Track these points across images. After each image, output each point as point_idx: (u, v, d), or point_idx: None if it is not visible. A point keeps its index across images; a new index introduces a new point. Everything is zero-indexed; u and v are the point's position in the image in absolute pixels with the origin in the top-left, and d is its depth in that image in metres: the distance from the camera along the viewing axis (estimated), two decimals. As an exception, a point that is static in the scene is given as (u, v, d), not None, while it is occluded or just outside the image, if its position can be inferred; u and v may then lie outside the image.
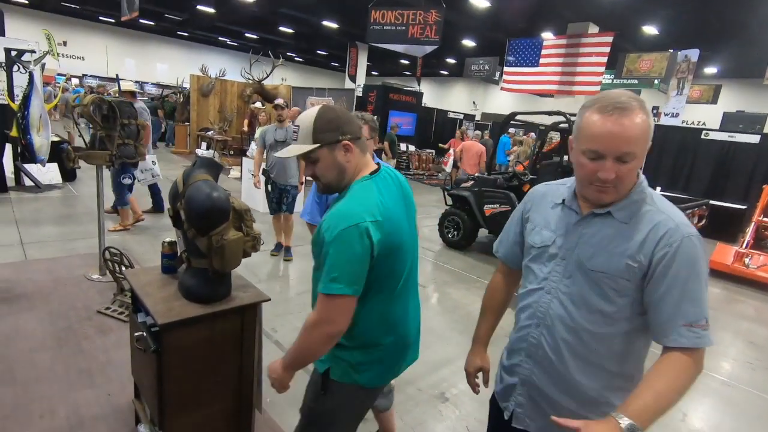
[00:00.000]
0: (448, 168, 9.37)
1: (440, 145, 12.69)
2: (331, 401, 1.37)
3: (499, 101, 21.57)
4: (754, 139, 8.33)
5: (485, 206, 5.43)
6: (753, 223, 6.22)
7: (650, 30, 11.72)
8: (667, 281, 0.95)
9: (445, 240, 5.93)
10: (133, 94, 5.15)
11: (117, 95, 6.10)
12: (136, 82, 19.28)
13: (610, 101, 0.95)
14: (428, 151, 13.65)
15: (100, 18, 19.60)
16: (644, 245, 0.97)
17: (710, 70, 16.43)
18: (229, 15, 15.98)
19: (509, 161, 10.28)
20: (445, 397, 2.64)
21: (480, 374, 1.38)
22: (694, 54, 10.94)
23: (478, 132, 10.70)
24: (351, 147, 1.25)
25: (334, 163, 1.25)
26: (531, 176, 5.52)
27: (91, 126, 3.56)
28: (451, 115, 16.23)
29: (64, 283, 3.50)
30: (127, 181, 4.44)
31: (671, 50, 11.04)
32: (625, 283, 0.99)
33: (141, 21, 18.64)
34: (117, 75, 5.86)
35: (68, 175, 7.04)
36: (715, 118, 15.24)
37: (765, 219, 6.36)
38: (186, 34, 21.77)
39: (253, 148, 6.92)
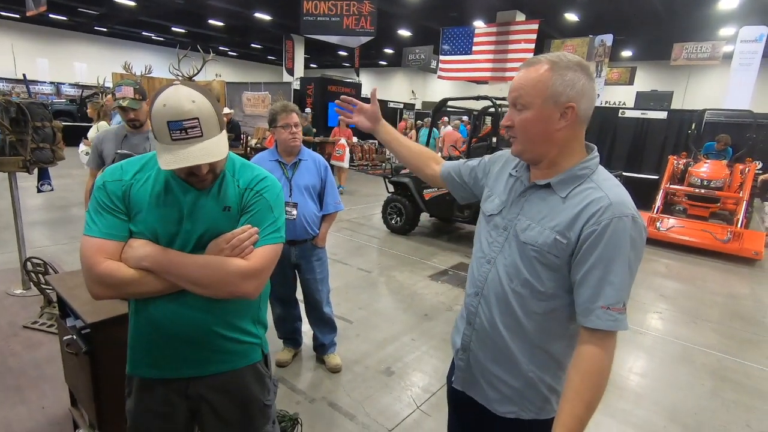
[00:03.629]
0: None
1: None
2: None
3: (439, 89, 22.06)
4: (663, 115, 9.18)
5: (424, 191, 5.64)
6: (661, 190, 6.92)
7: (571, 17, 12.48)
8: (592, 260, 0.94)
9: (389, 226, 6.09)
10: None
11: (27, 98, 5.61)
12: (52, 83, 17.79)
13: (528, 59, 1.03)
14: (371, 141, 13.75)
15: (2, 14, 17.76)
16: (575, 222, 0.96)
17: (626, 53, 17.80)
18: (152, 8, 15.05)
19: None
20: (391, 371, 2.78)
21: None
22: (608, 39, 11.81)
23: (457, 122, 11.13)
24: None
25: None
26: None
27: (-1, 131, 3.31)
28: (392, 104, 16.42)
29: (-18, 301, 3.26)
30: (46, 188, 4.15)
31: (590, 36, 11.86)
32: (552, 258, 0.99)
33: (51, 16, 17.11)
34: (24, 75, 5.36)
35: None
36: (633, 97, 16.58)
37: (672, 186, 7.09)
38: (105, 29, 20.22)
39: (82, 155, 4.56)
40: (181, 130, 0.99)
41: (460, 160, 1.38)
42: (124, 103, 2.49)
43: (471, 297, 1.17)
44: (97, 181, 1.12)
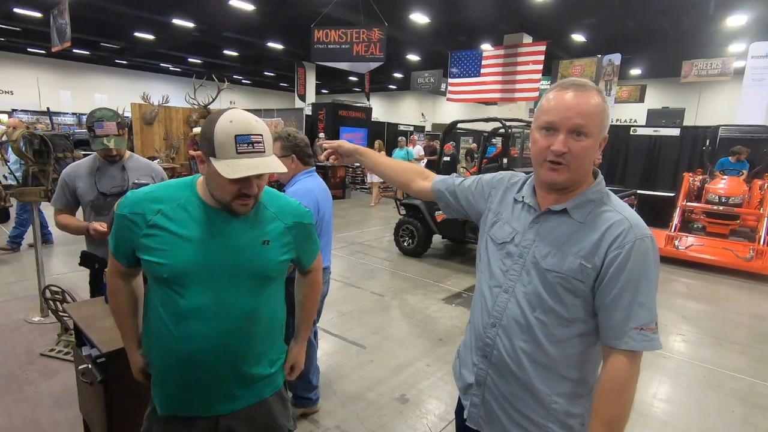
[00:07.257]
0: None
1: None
2: None
3: (448, 111, 22.30)
4: (675, 132, 9.11)
5: (436, 213, 5.63)
6: (678, 208, 6.79)
7: (578, 38, 12.61)
8: (620, 283, 0.94)
9: (401, 248, 6.06)
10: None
11: (50, 129, 5.79)
12: (74, 114, 18.45)
13: (569, 80, 0.99)
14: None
15: (29, 50, 18.64)
16: (599, 246, 0.96)
17: (635, 71, 17.83)
18: (169, 41, 15.65)
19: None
20: (405, 398, 2.72)
21: None
22: (616, 58, 11.86)
23: (474, 144, 11.35)
24: None
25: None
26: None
27: (22, 162, 3.42)
28: (402, 127, 16.58)
29: (1, 329, 3.30)
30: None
31: (598, 55, 11.93)
32: (578, 283, 0.98)
33: (75, 51, 17.89)
34: (48, 108, 5.60)
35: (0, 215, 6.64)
36: (644, 115, 16.51)
37: (688, 204, 6.96)
38: (125, 62, 21.05)
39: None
40: (249, 143, 1.04)
41: (454, 177, 1.34)
42: (111, 144, 2.14)
43: (487, 329, 1.11)
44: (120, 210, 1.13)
